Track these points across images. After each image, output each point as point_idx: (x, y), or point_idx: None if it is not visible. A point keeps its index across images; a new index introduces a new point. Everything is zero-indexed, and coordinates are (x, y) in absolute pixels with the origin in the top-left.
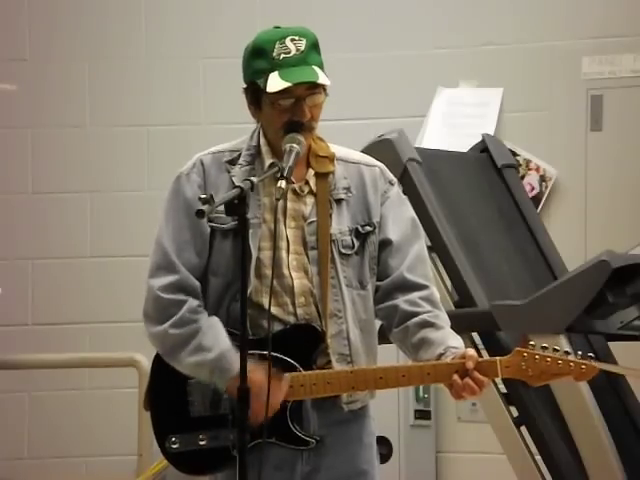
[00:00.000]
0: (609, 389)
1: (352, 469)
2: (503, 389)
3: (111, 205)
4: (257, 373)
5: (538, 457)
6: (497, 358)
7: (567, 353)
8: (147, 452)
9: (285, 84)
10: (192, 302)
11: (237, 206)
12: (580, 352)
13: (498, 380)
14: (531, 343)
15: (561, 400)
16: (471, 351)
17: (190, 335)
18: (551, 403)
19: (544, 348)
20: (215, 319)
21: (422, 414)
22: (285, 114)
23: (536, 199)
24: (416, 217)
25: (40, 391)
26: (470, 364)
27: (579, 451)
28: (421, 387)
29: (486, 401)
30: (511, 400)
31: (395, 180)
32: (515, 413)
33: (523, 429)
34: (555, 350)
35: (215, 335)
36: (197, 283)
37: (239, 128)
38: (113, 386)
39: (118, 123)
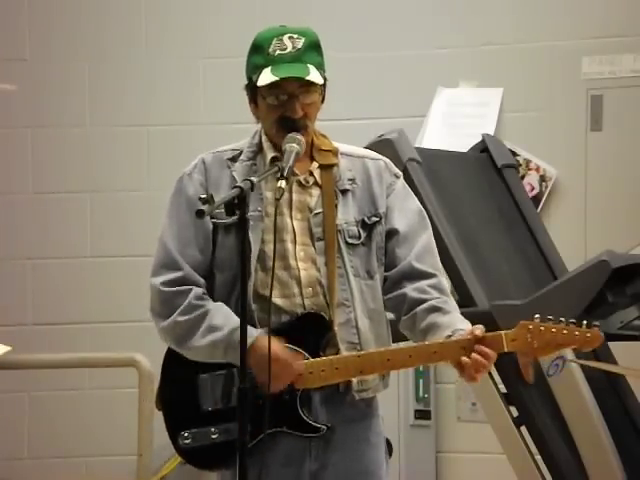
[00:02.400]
0: (609, 389)
1: (359, 467)
2: (503, 389)
3: (111, 205)
4: (273, 342)
5: (538, 457)
6: (502, 332)
7: (572, 323)
8: (147, 452)
9: (273, 78)
10: (197, 290)
11: (237, 206)
12: (585, 321)
13: (498, 380)
14: (537, 316)
15: (561, 400)
16: (478, 325)
17: (199, 318)
18: (551, 403)
19: (550, 319)
20: (221, 303)
21: (422, 414)
22: (277, 110)
23: (536, 199)
24: (423, 209)
25: (40, 391)
26: (479, 332)
27: (579, 451)
28: (421, 387)
29: (486, 401)
30: (511, 400)
31: (400, 173)
32: (515, 413)
33: (523, 429)
34: (560, 321)
35: (225, 314)
36: (202, 280)
37: (239, 128)
38: (113, 386)
39: (118, 123)
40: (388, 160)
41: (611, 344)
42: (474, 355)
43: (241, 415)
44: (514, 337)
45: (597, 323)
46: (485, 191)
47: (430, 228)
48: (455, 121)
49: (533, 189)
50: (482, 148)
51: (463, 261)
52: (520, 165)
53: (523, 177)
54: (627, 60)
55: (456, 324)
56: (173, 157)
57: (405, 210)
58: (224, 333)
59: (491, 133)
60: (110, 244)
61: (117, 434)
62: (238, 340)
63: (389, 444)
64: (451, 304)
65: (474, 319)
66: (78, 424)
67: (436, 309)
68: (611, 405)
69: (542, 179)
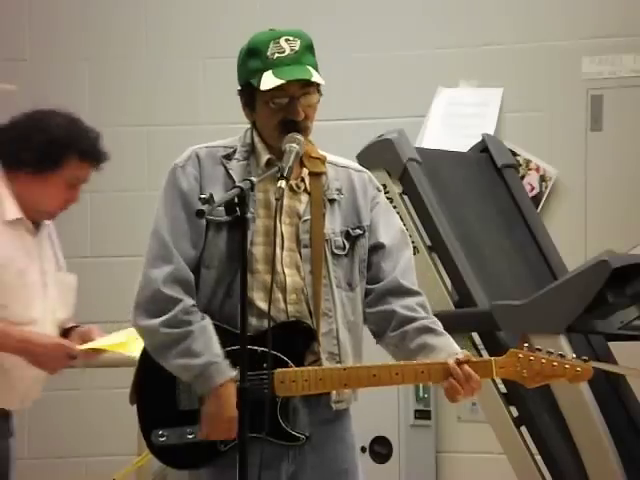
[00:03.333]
0: (609, 389)
1: (337, 468)
2: (503, 389)
3: (112, 205)
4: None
5: (538, 457)
6: (492, 358)
7: (562, 356)
8: (147, 452)
9: (278, 81)
10: (187, 302)
11: (237, 206)
12: (574, 355)
13: (498, 380)
14: (525, 345)
15: (561, 400)
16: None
17: (181, 337)
18: (551, 403)
19: (539, 350)
20: (208, 321)
21: (422, 414)
22: (279, 113)
23: (536, 199)
24: (404, 228)
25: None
26: (467, 357)
27: (579, 451)
28: (421, 387)
29: (486, 401)
30: (511, 400)
31: (381, 187)
32: (515, 413)
33: (523, 429)
34: (549, 352)
35: (206, 341)
36: (192, 276)
37: (240, 128)
38: (113, 386)
39: (118, 123)
40: (370, 173)
41: (611, 344)
42: (458, 374)
43: (242, 414)
44: (503, 364)
45: (586, 358)
46: (485, 191)
47: (411, 246)
48: (455, 121)
49: (533, 189)
50: (482, 148)
51: (463, 261)
52: (520, 165)
53: (523, 177)
54: (627, 60)
55: (452, 346)
56: (173, 157)
57: (389, 225)
58: (199, 362)
59: (491, 133)
60: (110, 244)
61: (117, 434)
62: (210, 374)
63: (388, 444)
64: (439, 324)
65: (474, 319)
66: (78, 424)
67: (428, 330)
68: (611, 405)
69: (542, 179)
